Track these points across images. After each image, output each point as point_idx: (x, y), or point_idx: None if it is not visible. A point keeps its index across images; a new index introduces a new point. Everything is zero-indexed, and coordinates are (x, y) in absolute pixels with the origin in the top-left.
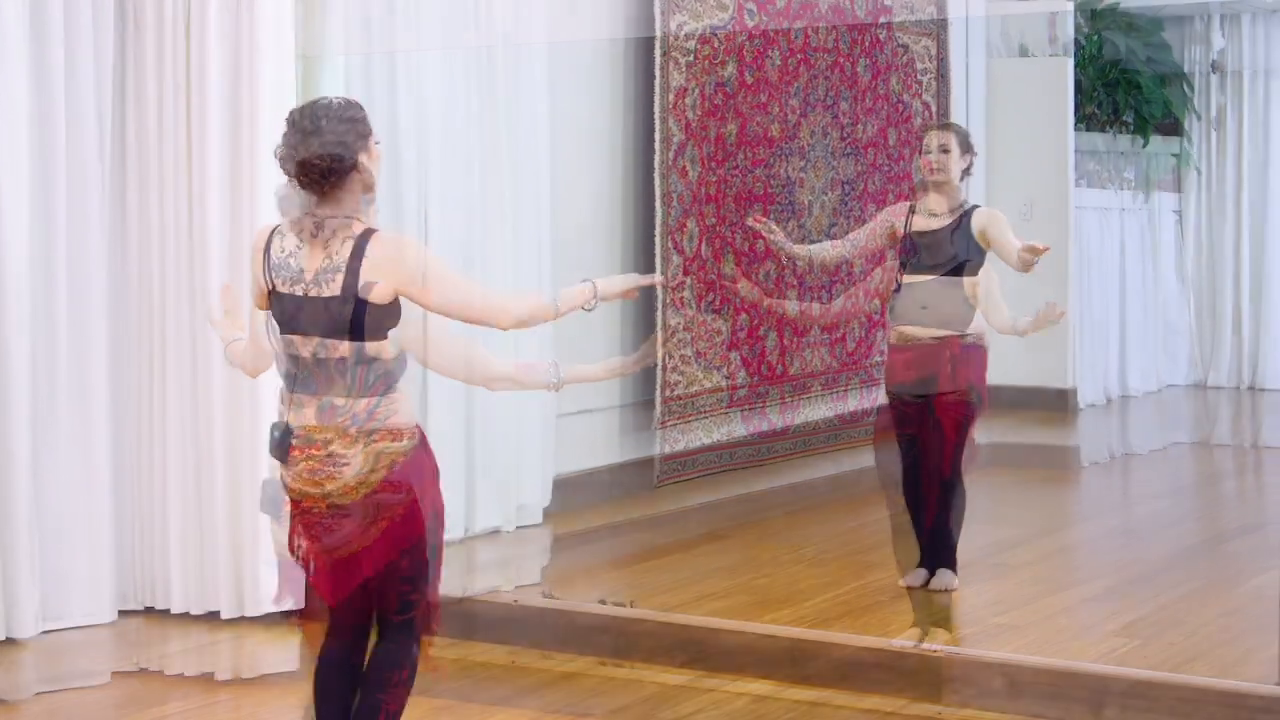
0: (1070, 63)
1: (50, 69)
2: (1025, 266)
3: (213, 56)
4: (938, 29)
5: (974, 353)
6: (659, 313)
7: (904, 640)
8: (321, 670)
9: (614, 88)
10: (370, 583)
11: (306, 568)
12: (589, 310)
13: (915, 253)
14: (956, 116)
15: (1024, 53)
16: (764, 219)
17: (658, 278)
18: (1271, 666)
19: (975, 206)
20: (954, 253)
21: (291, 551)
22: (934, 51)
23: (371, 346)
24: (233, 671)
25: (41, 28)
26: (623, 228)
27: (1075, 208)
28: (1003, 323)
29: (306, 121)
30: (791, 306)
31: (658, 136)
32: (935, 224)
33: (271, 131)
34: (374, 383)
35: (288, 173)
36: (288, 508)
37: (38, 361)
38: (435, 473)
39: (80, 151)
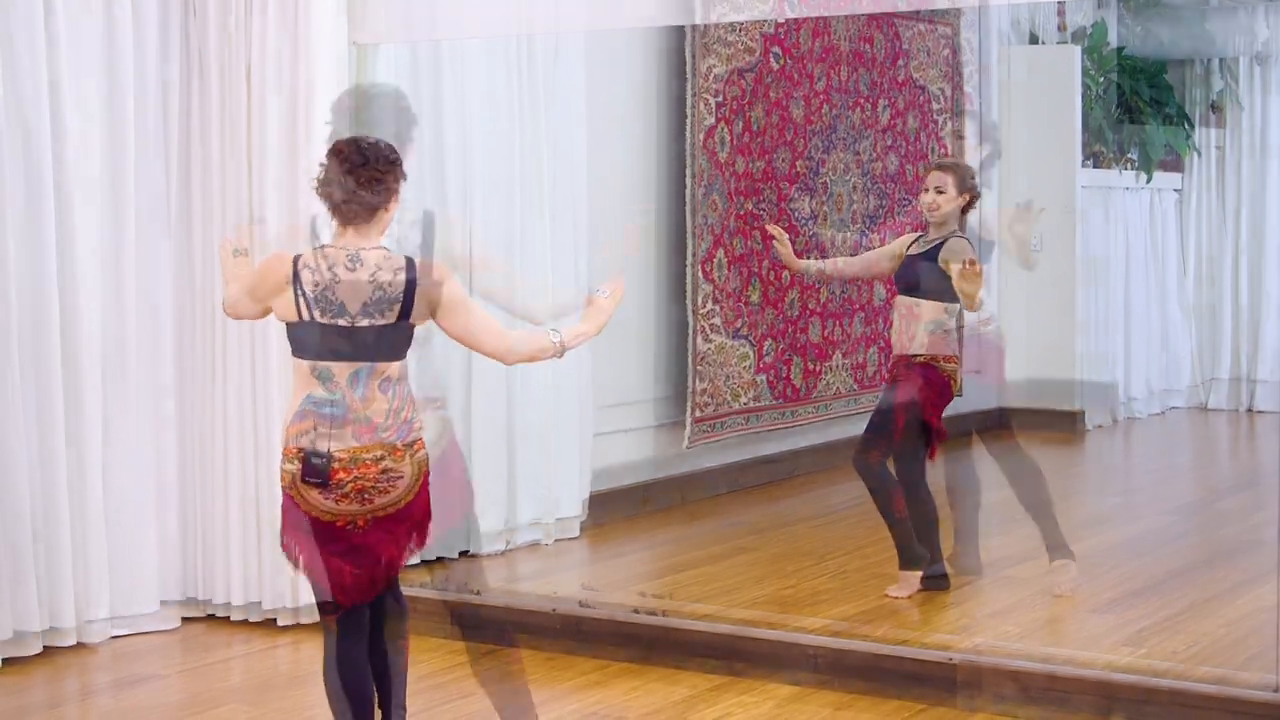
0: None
1: (119, 56)
2: (970, 304)
3: (270, 47)
4: (953, 71)
5: (918, 373)
6: (690, 339)
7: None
8: (349, 669)
9: (647, 125)
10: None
11: (336, 579)
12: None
13: (899, 273)
14: (971, 160)
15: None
16: (779, 229)
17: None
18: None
19: (956, 236)
20: (918, 277)
21: (307, 566)
22: (949, 92)
23: (404, 364)
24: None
25: (110, 19)
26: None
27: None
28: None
29: (355, 155)
30: (811, 266)
31: (688, 172)
32: (918, 249)
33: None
34: (408, 395)
35: (327, 197)
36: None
37: (107, 361)
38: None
39: (147, 147)
